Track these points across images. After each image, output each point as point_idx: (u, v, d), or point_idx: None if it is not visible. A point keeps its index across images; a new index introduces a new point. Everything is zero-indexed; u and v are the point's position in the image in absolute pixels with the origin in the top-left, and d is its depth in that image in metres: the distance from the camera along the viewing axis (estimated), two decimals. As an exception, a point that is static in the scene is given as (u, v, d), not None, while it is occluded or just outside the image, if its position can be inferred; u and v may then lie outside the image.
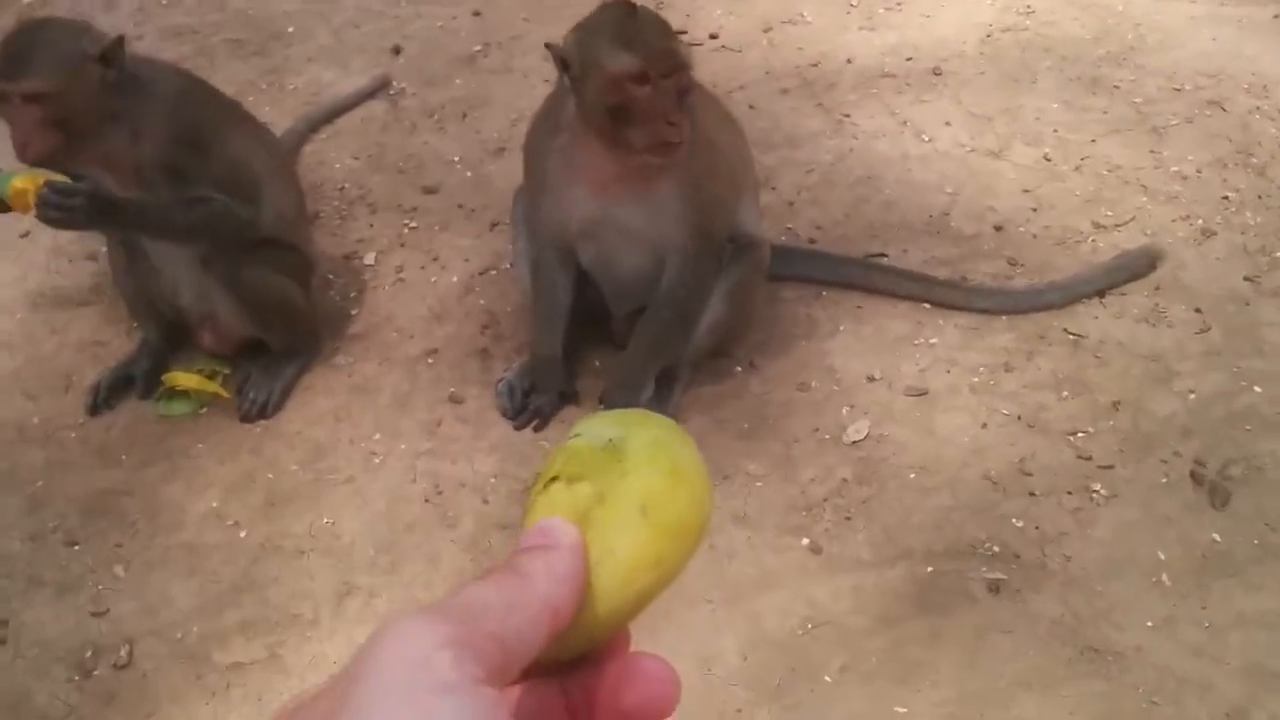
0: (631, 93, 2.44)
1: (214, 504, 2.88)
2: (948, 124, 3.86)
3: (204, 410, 3.12)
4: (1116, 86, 3.97)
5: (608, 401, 2.95)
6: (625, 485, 0.64)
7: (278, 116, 4.10)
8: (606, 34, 2.50)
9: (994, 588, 2.57)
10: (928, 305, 3.22)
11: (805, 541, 2.69)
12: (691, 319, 2.87)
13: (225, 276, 2.98)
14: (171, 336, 3.24)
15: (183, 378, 3.16)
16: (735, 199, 2.87)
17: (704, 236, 2.74)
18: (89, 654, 2.57)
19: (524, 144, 2.89)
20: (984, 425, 2.91)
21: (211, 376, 3.18)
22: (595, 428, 0.68)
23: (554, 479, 0.65)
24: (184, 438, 3.05)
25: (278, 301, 3.09)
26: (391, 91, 4.21)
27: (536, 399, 2.99)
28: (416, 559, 2.70)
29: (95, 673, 2.54)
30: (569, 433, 0.70)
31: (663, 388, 2.97)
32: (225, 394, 3.13)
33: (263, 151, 3.06)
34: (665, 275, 2.81)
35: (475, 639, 0.52)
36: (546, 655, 0.58)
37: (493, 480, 2.86)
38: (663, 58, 2.46)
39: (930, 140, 3.80)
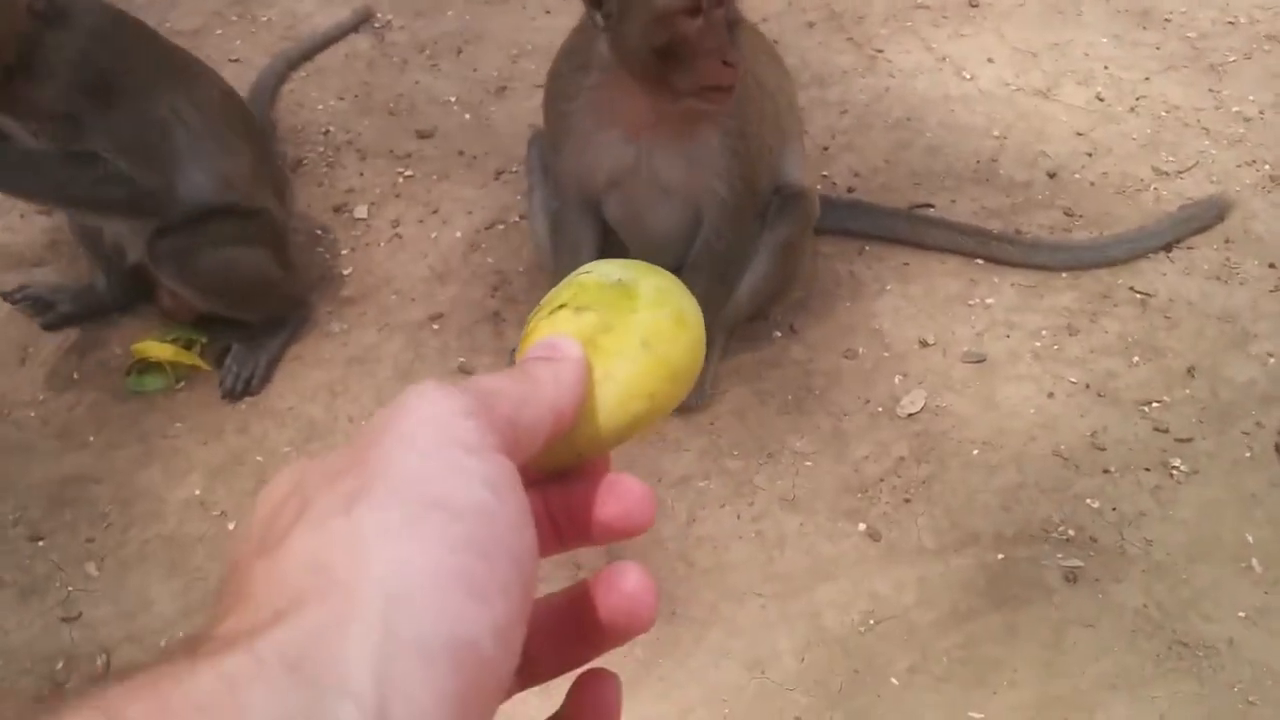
0: (681, 28, 2.11)
1: (196, 491, 2.58)
2: (990, 61, 3.55)
3: (181, 385, 2.80)
4: (1168, 19, 3.67)
5: None
6: (631, 320, 0.66)
7: (250, 52, 3.72)
8: None
9: (1071, 576, 2.33)
10: (980, 261, 2.95)
11: (862, 527, 2.44)
12: (731, 280, 2.58)
13: (174, 262, 2.62)
14: (127, 290, 2.90)
15: (155, 348, 2.83)
16: (780, 145, 2.56)
17: (747, 188, 2.44)
18: (60, 665, 2.28)
19: (546, 84, 2.55)
20: (1050, 395, 2.65)
21: (188, 346, 2.86)
22: (604, 268, 0.70)
23: (561, 306, 0.67)
24: (159, 416, 2.74)
25: (246, 279, 2.74)
26: (376, 24, 3.83)
27: None
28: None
29: (68, 686, 2.26)
30: (575, 274, 0.70)
31: (697, 356, 2.68)
32: (205, 365, 2.82)
33: (194, 112, 2.61)
34: (702, 231, 2.51)
35: (492, 416, 0.53)
36: (536, 463, 0.60)
37: (511, 461, 2.58)
38: None
39: (972, 79, 3.49)
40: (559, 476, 0.64)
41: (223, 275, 2.69)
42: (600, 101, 2.36)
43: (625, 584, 0.60)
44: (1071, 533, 2.39)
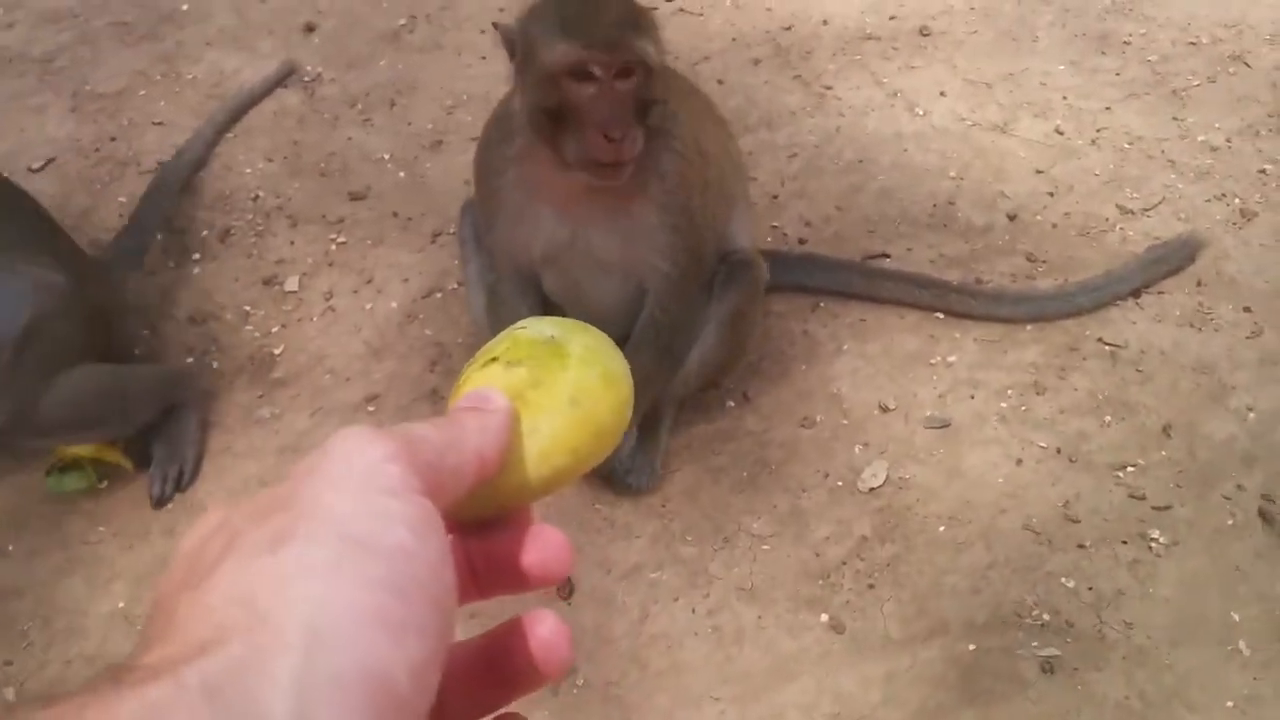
0: (570, 93, 1.95)
1: (120, 603, 2.42)
2: (943, 94, 3.42)
3: (104, 484, 2.63)
4: (1127, 42, 3.55)
5: None
6: (561, 377, 0.68)
7: (175, 114, 3.55)
8: (552, 12, 2.00)
9: (1047, 667, 2.19)
10: (940, 315, 2.81)
11: (824, 618, 2.29)
12: (678, 353, 2.43)
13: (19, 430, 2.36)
14: None
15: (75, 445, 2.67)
16: (727, 213, 2.41)
17: (692, 261, 2.29)
18: (-28, 813, 2.11)
19: (476, 154, 2.40)
20: (1018, 461, 2.52)
21: (111, 442, 2.69)
22: (538, 325, 0.73)
23: (494, 360, 0.70)
24: (81, 519, 2.57)
25: (88, 409, 2.47)
26: (306, 78, 3.67)
27: None
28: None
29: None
30: (511, 330, 0.73)
31: (647, 432, 2.54)
32: (127, 464, 2.65)
33: None
34: (646, 306, 2.36)
35: (416, 461, 0.55)
36: (459, 512, 0.62)
37: (452, 558, 2.42)
38: (614, 49, 1.93)
39: (925, 114, 3.36)
40: (481, 526, 0.64)
41: (57, 413, 2.39)
42: (527, 175, 2.21)
43: (540, 630, 0.62)
44: (1046, 617, 2.26)
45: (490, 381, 0.68)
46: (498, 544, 0.65)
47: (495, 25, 2.15)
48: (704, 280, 2.40)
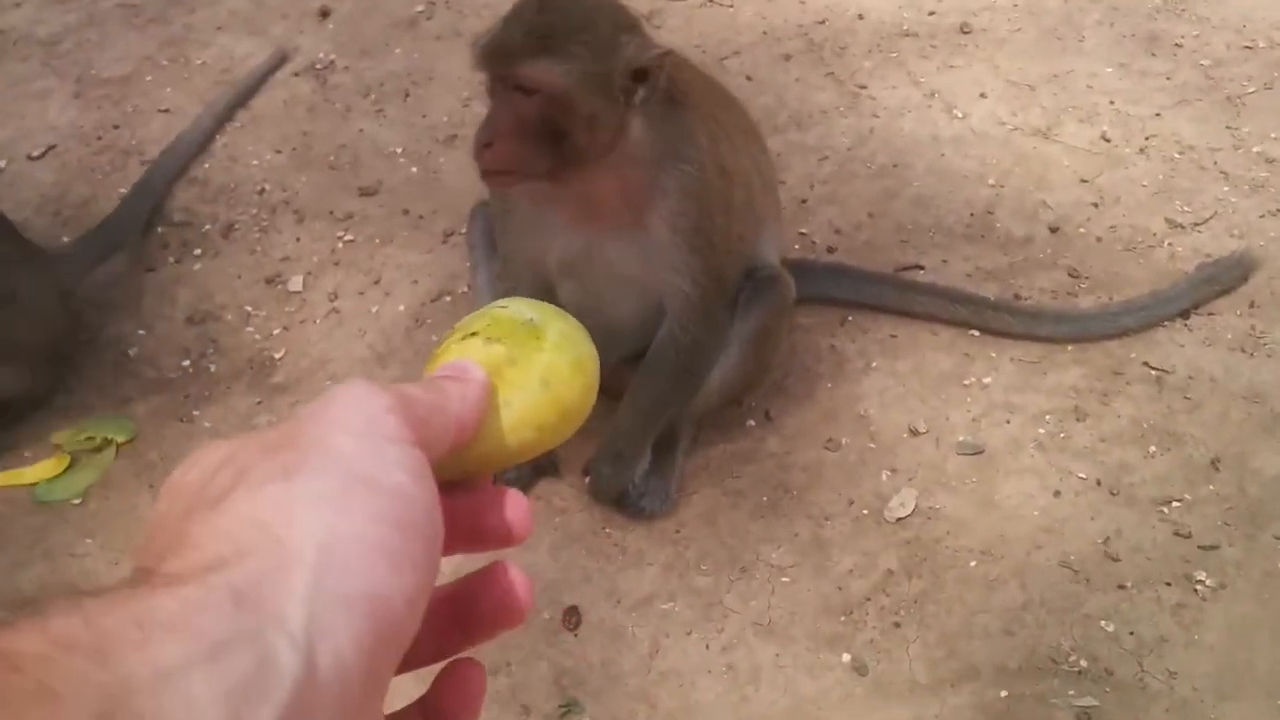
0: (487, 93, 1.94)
1: (106, 619, 2.30)
2: (983, 95, 3.25)
3: (89, 493, 2.52)
4: (1179, 44, 3.36)
5: (595, 476, 2.38)
6: (536, 358, 0.72)
7: (182, 100, 3.43)
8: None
9: (1085, 718, 2.05)
10: (975, 332, 2.66)
11: (846, 658, 2.16)
12: (698, 374, 2.29)
13: None
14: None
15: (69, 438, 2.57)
16: (755, 232, 2.27)
17: (713, 282, 2.15)
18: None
19: None
20: (1056, 493, 2.37)
21: (101, 447, 2.58)
22: (518, 306, 0.77)
23: (474, 334, 0.73)
24: (68, 530, 2.46)
25: None
26: (319, 65, 3.54)
27: (506, 474, 2.42)
28: (360, 693, 2.14)
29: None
30: (492, 306, 0.77)
31: (662, 452, 2.41)
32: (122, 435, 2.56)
33: None
34: (665, 323, 2.22)
35: (410, 416, 0.60)
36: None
37: (453, 582, 2.30)
38: (500, 60, 1.86)
39: (964, 116, 3.19)
40: (446, 488, 0.64)
41: None
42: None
43: (504, 579, 0.67)
44: (1084, 663, 2.11)
45: (469, 354, 0.72)
46: (461, 505, 0.67)
47: None
48: (728, 300, 2.26)
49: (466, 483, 0.70)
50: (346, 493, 0.54)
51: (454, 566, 0.70)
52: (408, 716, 0.67)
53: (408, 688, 0.68)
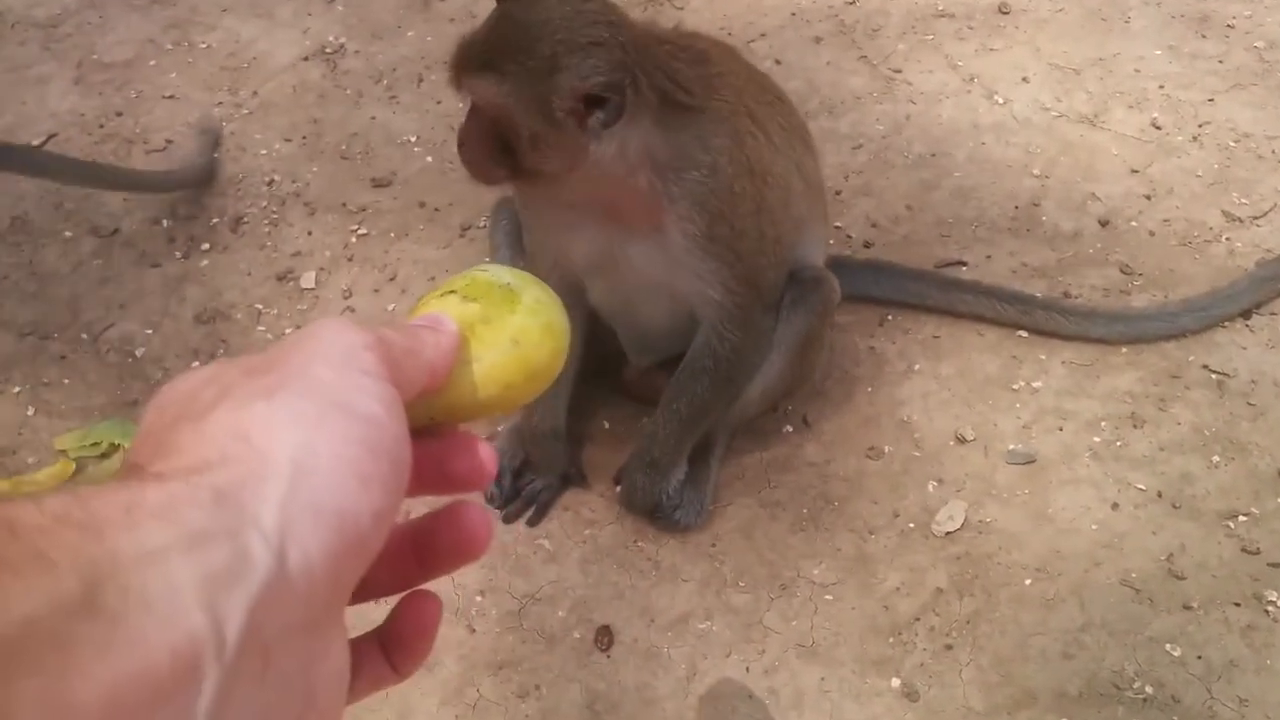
0: None
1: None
2: (1025, 80, 3.10)
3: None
4: (1230, 25, 3.21)
5: (627, 485, 2.26)
6: (508, 320, 0.76)
7: (187, 85, 3.29)
8: None
9: (1151, 748, 1.93)
10: (1023, 333, 2.52)
11: (895, 682, 2.04)
12: (738, 382, 2.17)
13: None
14: None
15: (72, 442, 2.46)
16: (795, 235, 2.14)
17: (747, 288, 2.03)
18: None
19: None
20: (1114, 506, 2.24)
21: (108, 453, 2.46)
22: (496, 270, 0.80)
23: (452, 292, 0.78)
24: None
25: None
26: (329, 50, 3.39)
27: (531, 483, 2.30)
28: (383, 717, 2.03)
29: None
30: (474, 270, 0.80)
31: (696, 462, 2.28)
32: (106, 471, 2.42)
33: None
34: (701, 332, 2.10)
35: (385, 355, 0.64)
36: None
37: (479, 599, 2.18)
38: (452, 71, 1.82)
39: (1005, 103, 3.05)
40: (416, 433, 0.65)
41: None
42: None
43: (465, 515, 0.72)
44: (1149, 689, 1.99)
45: (446, 309, 0.75)
46: (428, 449, 0.69)
47: None
48: (768, 306, 2.13)
49: (435, 429, 0.73)
50: (323, 415, 0.57)
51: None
52: (366, 642, 0.71)
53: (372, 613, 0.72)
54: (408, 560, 0.71)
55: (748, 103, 2.02)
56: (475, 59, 1.77)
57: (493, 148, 1.82)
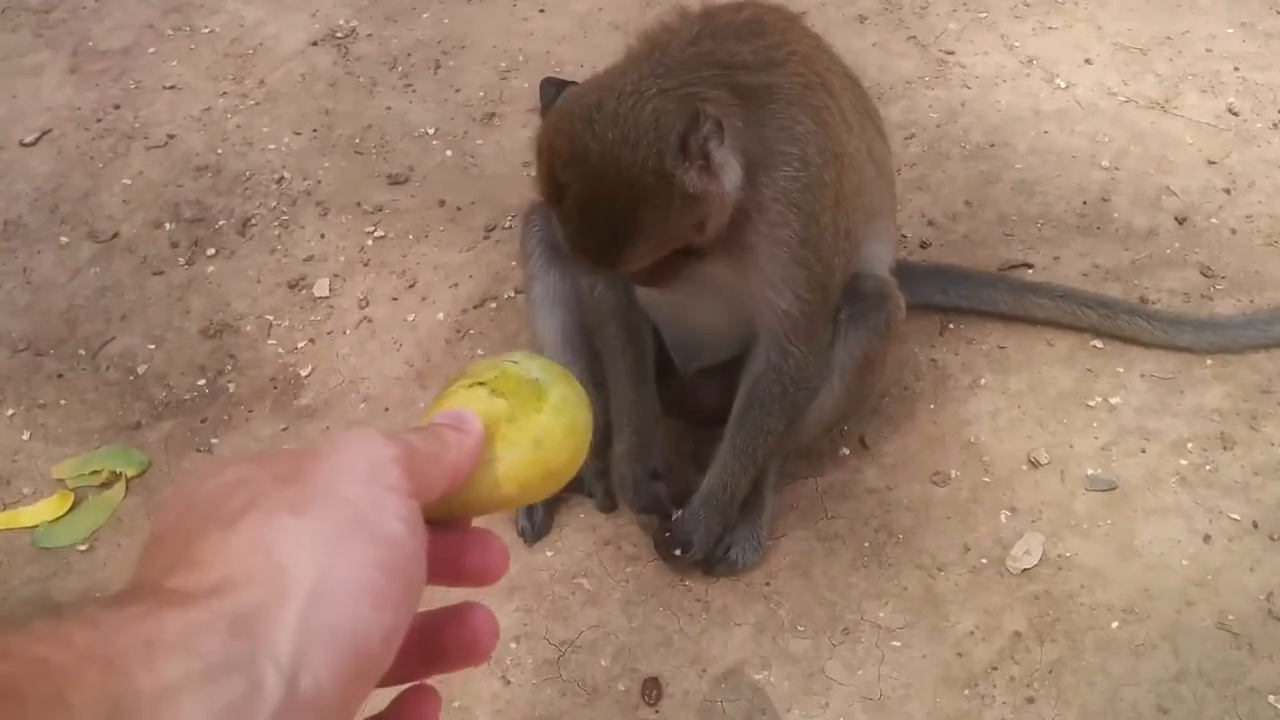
0: None
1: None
2: (1088, 61, 2.88)
3: (97, 535, 2.23)
4: (1309, 0, 2.98)
5: (682, 525, 2.04)
6: (533, 419, 0.76)
7: (189, 74, 3.10)
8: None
9: (1258, 815, 1.76)
10: (1098, 342, 2.32)
11: (973, 740, 1.86)
12: (801, 406, 1.97)
13: None
14: None
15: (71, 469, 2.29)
16: (863, 228, 1.93)
17: (818, 293, 1.83)
18: None
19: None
20: (1206, 538, 2.05)
21: (109, 483, 2.29)
22: (526, 363, 0.80)
23: (481, 384, 0.77)
24: (72, 581, 2.17)
25: None
26: (339, 34, 3.18)
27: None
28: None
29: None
30: (504, 359, 0.80)
31: (749, 493, 2.09)
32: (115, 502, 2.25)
33: None
34: (762, 350, 1.91)
35: (410, 466, 0.65)
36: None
37: (514, 646, 2.01)
38: (595, 270, 1.82)
39: (1068, 86, 2.83)
40: (431, 525, 0.67)
41: None
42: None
43: (473, 620, 0.72)
44: (1253, 748, 1.82)
45: (473, 405, 0.75)
46: (443, 541, 0.70)
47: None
48: (830, 313, 1.93)
49: (450, 522, 0.74)
50: (346, 537, 0.58)
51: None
52: None
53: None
54: (410, 658, 0.69)
55: (819, 71, 1.81)
56: (605, 253, 1.63)
57: (669, 265, 1.70)
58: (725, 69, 1.68)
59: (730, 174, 1.62)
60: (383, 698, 0.68)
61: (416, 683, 0.72)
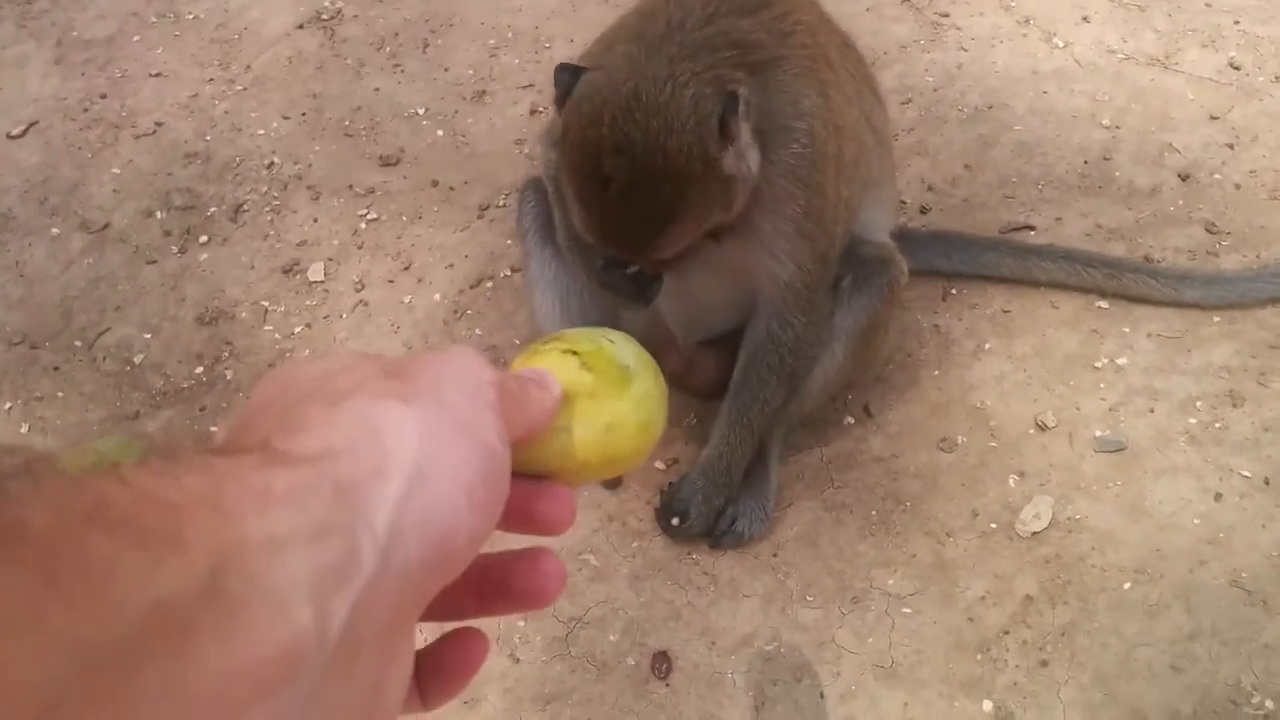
0: None
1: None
2: (1085, 19, 2.84)
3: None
4: (1308, -50, 2.93)
5: (679, 493, 2.04)
6: (613, 404, 0.76)
7: (176, 62, 3.05)
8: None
9: (1277, 773, 1.74)
10: (1103, 303, 2.30)
11: (988, 705, 1.85)
12: (800, 375, 1.95)
13: None
14: None
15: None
16: (861, 196, 1.91)
17: (818, 263, 1.81)
18: None
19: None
20: (1217, 496, 2.03)
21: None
22: (624, 347, 0.80)
23: (574, 353, 0.77)
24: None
25: None
26: (325, 15, 3.14)
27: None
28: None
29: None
30: (603, 334, 0.81)
31: (753, 464, 2.07)
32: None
33: None
34: (761, 319, 1.88)
35: (504, 397, 0.66)
36: None
37: (522, 624, 1.99)
38: (626, 257, 1.70)
39: (1066, 45, 2.79)
40: None
41: None
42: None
43: (545, 564, 0.71)
44: (1270, 705, 1.80)
45: (560, 371, 0.75)
46: (515, 486, 0.68)
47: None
48: (830, 281, 1.91)
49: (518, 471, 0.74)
50: (452, 434, 0.59)
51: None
52: None
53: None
54: (468, 593, 0.70)
55: (823, 43, 1.78)
56: (636, 242, 1.61)
57: (692, 248, 1.68)
58: (741, 48, 1.65)
59: (753, 152, 1.60)
60: (430, 633, 0.68)
61: (465, 624, 0.71)
